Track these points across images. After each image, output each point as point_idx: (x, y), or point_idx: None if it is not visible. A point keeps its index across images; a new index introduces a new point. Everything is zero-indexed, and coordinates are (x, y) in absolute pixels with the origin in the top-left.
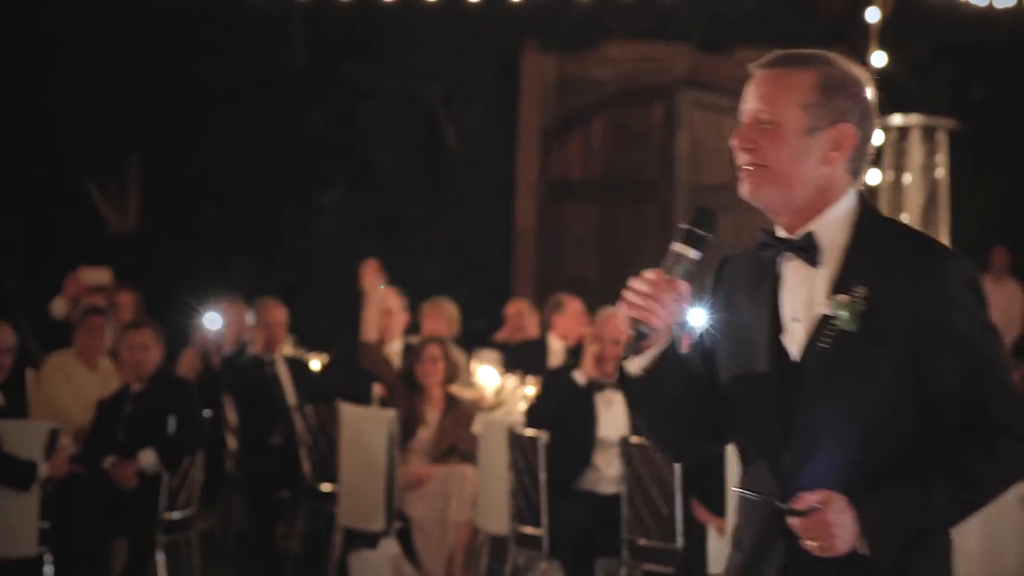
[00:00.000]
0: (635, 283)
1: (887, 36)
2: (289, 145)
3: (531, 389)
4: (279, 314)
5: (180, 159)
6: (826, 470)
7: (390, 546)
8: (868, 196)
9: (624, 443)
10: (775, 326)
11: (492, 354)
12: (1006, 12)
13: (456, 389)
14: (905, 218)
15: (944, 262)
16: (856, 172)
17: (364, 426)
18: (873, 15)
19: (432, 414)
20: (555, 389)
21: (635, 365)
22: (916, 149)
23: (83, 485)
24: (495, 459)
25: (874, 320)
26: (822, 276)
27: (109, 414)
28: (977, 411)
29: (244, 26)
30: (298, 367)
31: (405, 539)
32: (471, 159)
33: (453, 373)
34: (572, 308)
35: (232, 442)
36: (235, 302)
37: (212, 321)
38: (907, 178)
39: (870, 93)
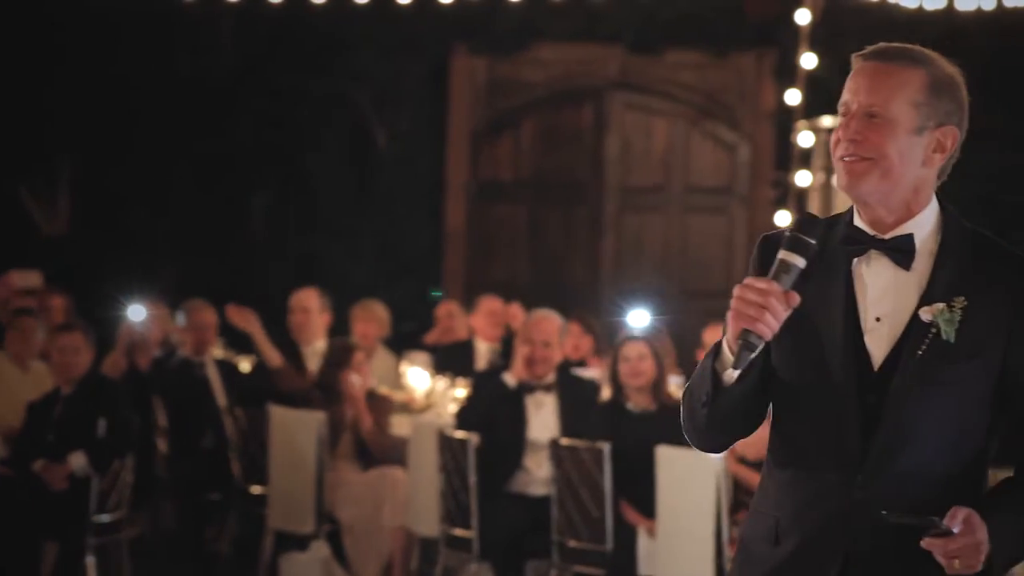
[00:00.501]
0: (746, 293)
1: (817, 38)
2: (219, 147)
3: (461, 391)
4: (209, 316)
5: (110, 162)
6: (905, 479)
7: (320, 548)
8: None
9: (554, 445)
10: (855, 327)
11: (422, 356)
12: (936, 14)
13: (385, 391)
14: None
15: None
16: (942, 176)
17: (294, 428)
18: (803, 17)
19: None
20: (485, 391)
21: (731, 374)
22: None
23: (12, 488)
24: (425, 461)
25: (968, 331)
26: (912, 280)
27: (39, 416)
28: None
29: (173, 29)
30: (228, 369)
31: (335, 542)
32: (401, 161)
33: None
34: (484, 308)
35: (162, 445)
36: (159, 305)
37: (136, 313)
38: (836, 180)
39: (966, 95)
